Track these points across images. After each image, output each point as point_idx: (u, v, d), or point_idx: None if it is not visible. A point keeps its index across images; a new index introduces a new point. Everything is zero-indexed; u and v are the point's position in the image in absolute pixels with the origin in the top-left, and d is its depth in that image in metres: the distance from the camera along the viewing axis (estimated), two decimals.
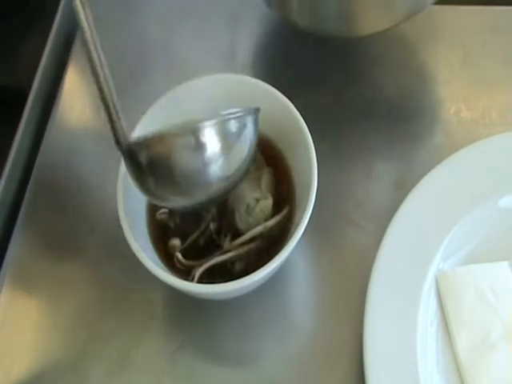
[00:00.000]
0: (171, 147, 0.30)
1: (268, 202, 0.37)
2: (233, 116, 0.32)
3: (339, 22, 0.42)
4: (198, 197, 0.32)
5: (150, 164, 0.31)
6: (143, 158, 0.31)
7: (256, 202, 0.36)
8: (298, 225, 0.33)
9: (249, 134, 0.33)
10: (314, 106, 0.45)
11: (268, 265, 0.32)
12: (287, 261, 0.35)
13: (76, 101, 0.49)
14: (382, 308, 0.37)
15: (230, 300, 0.38)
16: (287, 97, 0.37)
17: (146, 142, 0.31)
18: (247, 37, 0.50)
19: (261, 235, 0.36)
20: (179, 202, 0.33)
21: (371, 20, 0.42)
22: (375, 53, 0.49)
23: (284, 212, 0.37)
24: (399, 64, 0.49)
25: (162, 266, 0.35)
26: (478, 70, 0.48)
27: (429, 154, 0.44)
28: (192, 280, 0.34)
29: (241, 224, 0.36)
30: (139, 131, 0.36)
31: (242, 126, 0.32)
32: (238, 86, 0.39)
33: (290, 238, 0.33)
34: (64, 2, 0.52)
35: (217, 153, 0.31)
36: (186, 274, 0.35)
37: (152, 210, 0.38)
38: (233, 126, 0.32)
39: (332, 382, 0.38)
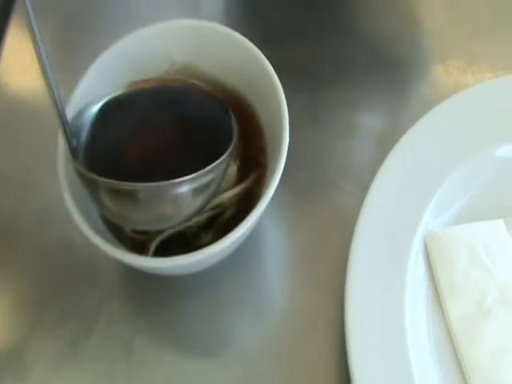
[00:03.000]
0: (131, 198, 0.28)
1: (231, 170, 0.33)
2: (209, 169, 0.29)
3: None
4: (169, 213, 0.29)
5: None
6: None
7: None
8: (265, 190, 0.30)
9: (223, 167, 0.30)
10: (289, 58, 0.43)
11: (230, 235, 0.29)
12: (260, 229, 0.33)
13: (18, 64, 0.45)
14: (366, 275, 0.34)
15: (194, 276, 0.34)
16: (259, 48, 0.34)
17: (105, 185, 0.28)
18: None
19: (224, 205, 0.33)
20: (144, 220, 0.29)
21: None
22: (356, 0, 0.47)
23: (247, 182, 0.34)
24: (379, 11, 0.46)
25: (114, 240, 0.31)
26: (464, 13, 0.46)
27: (413, 107, 0.43)
28: (147, 254, 0.30)
29: None
30: (83, 90, 0.33)
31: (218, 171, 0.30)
32: (200, 35, 0.35)
33: (257, 205, 0.30)
34: None
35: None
36: (140, 250, 0.31)
37: None
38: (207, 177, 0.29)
39: (314, 359, 0.35)
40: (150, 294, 0.37)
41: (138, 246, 0.32)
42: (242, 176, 0.34)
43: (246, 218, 0.29)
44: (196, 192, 0.28)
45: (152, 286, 0.37)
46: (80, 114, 0.30)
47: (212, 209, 0.33)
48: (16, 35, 0.46)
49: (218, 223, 0.33)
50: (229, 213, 0.33)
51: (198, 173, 0.28)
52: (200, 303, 0.36)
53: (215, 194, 0.30)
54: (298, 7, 0.46)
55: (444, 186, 0.37)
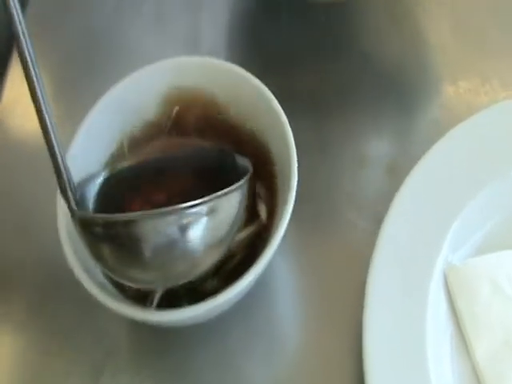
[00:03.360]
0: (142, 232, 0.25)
1: None
2: (220, 194, 0.26)
3: None
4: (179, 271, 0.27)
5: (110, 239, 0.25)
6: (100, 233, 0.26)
7: None
8: (274, 233, 0.28)
9: (239, 201, 0.28)
10: (291, 87, 0.42)
11: (239, 282, 0.27)
12: (268, 270, 0.30)
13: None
14: (383, 314, 0.32)
15: (202, 324, 0.32)
16: (260, 79, 0.33)
17: (107, 222, 0.25)
18: (211, 19, 0.46)
19: (233, 250, 0.31)
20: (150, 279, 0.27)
21: None
22: (358, 22, 0.46)
23: (254, 226, 0.32)
24: (385, 33, 0.45)
25: (115, 291, 0.30)
26: (472, 32, 0.44)
27: (425, 132, 0.41)
28: (150, 305, 0.28)
29: None
30: (84, 135, 0.32)
31: (233, 199, 0.27)
32: (200, 70, 0.34)
33: (266, 249, 0.28)
34: None
35: (199, 234, 0.26)
36: (142, 298, 0.29)
37: None
38: (220, 204, 0.26)
39: None
40: (156, 344, 0.35)
41: (140, 294, 0.30)
42: (248, 221, 0.32)
43: (255, 264, 0.28)
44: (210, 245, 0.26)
45: (158, 336, 0.35)
46: (82, 185, 0.28)
47: None
48: (16, 77, 0.45)
49: (226, 269, 0.31)
50: (237, 258, 0.32)
51: (209, 196, 0.25)
52: (209, 350, 0.35)
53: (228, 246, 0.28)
54: (299, 33, 0.45)
55: (463, 215, 0.35)
